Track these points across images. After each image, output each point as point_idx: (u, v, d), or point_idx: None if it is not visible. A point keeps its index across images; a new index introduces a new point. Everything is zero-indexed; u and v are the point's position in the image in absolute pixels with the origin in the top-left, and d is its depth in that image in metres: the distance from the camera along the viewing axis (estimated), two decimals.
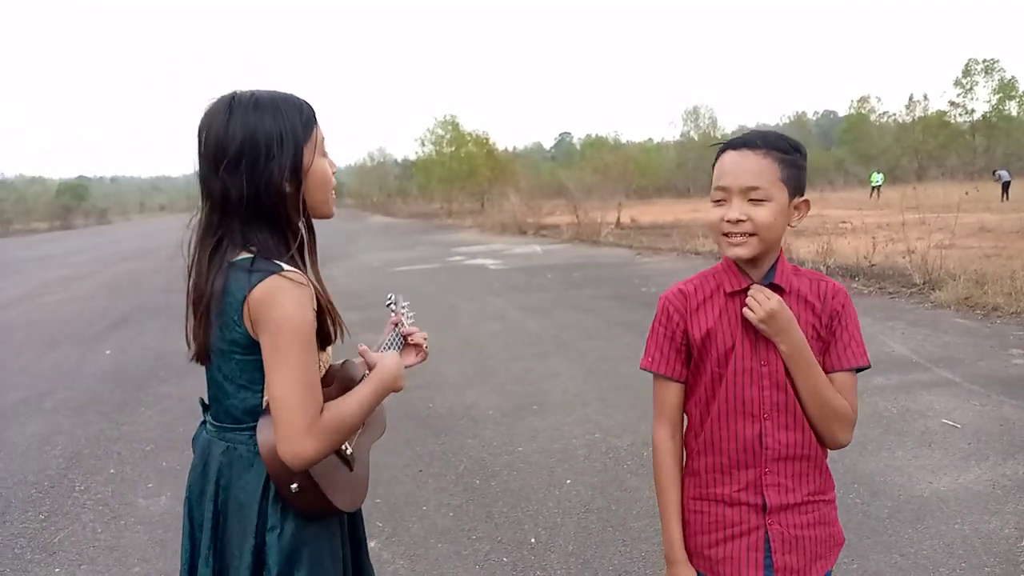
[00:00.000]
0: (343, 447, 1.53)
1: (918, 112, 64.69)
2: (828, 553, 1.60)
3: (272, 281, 1.35)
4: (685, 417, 1.68)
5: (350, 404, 1.44)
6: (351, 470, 1.56)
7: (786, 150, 1.48)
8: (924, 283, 9.35)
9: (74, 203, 72.68)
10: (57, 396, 6.32)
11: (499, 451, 4.55)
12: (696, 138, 68.13)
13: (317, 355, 1.41)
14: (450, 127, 49.74)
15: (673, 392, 1.65)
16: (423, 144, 51.20)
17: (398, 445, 4.67)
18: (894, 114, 68.66)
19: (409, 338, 1.80)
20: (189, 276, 1.46)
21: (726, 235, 1.50)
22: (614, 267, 13.81)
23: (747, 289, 1.54)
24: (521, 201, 29.08)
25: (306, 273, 1.44)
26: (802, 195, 1.52)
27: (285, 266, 1.38)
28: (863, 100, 70.90)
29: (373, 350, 1.69)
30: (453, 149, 48.70)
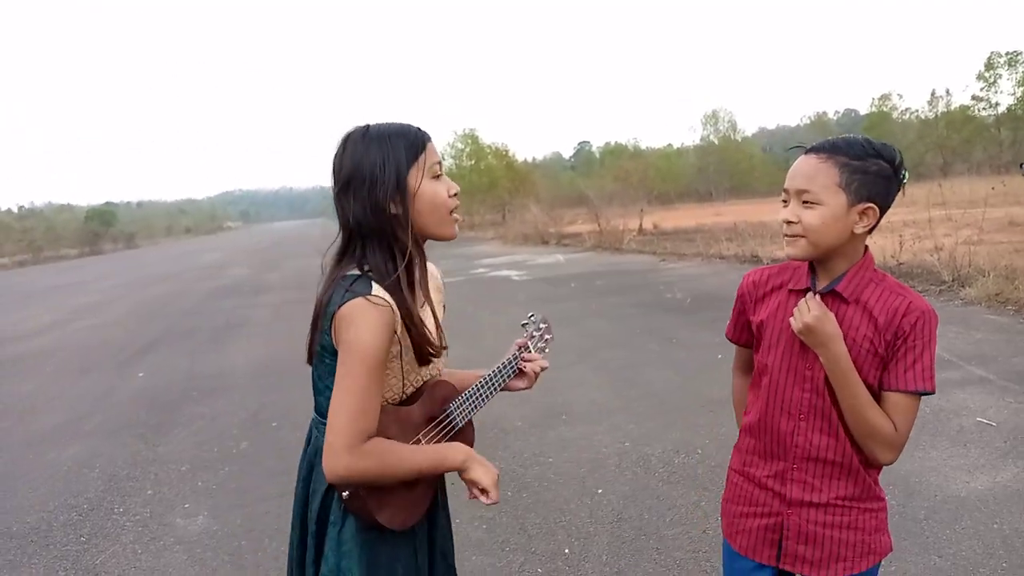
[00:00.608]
0: None
1: (941, 107, 63.96)
2: (855, 557, 1.61)
3: (355, 303, 1.44)
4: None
5: (403, 453, 1.50)
6: (411, 488, 1.58)
7: (858, 156, 1.48)
8: (953, 280, 9.24)
9: (102, 229, 73.85)
10: (94, 420, 6.43)
11: (529, 462, 4.57)
12: (716, 142, 67.84)
13: (382, 380, 1.48)
14: (469, 141, 49.96)
15: (743, 352, 1.85)
16: (443, 159, 51.37)
17: None
18: (916, 110, 67.94)
19: (524, 364, 1.83)
20: None
21: (785, 235, 1.56)
22: (638, 274, 13.78)
23: (808, 291, 1.58)
24: (542, 211, 29.11)
25: (404, 294, 1.51)
26: (873, 202, 1.49)
27: (376, 289, 1.47)
28: (884, 98, 70.26)
29: (490, 369, 1.77)
30: (473, 162, 48.89)
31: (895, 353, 1.51)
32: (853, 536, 1.60)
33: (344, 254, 1.56)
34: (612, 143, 77.75)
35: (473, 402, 1.73)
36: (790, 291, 1.63)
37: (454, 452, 1.59)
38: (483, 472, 1.60)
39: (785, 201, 1.56)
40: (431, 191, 1.55)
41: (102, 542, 3.96)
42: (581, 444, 4.79)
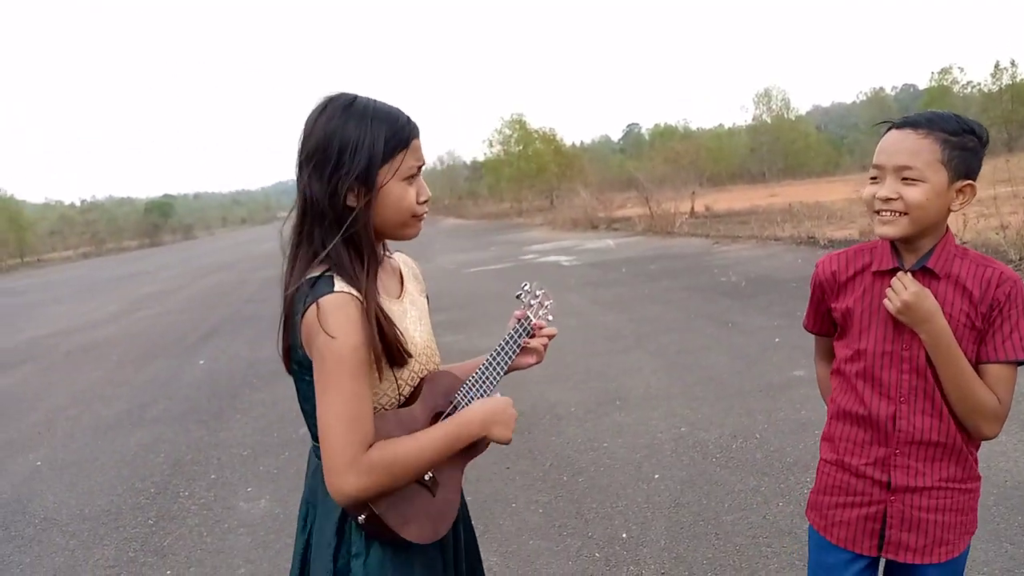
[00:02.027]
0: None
1: (1005, 80, 61.44)
2: (956, 540, 1.59)
3: (318, 304, 1.30)
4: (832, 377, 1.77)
5: (410, 447, 1.34)
6: (433, 495, 1.44)
7: (955, 131, 1.46)
8: (1020, 259, 8.92)
9: (161, 220, 75.92)
10: (158, 406, 6.63)
11: (584, 447, 4.55)
12: (769, 121, 66.39)
13: (368, 381, 1.34)
14: (517, 126, 49.88)
15: (823, 342, 1.82)
16: (491, 145, 51.53)
17: None
18: (979, 84, 65.41)
19: (528, 341, 1.65)
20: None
21: (877, 212, 1.51)
22: (691, 257, 13.60)
23: (895, 271, 1.54)
24: (591, 195, 28.90)
25: (371, 290, 1.36)
26: (969, 179, 1.48)
27: (338, 285, 1.32)
28: (945, 72, 67.77)
29: (489, 353, 1.61)
30: (521, 148, 48.82)
31: (991, 324, 1.50)
32: (954, 518, 1.58)
33: (300, 239, 1.39)
34: (662, 125, 76.73)
35: (480, 387, 1.56)
36: (875, 273, 1.58)
37: (468, 421, 1.43)
38: (502, 430, 1.46)
39: (875, 178, 1.52)
40: (398, 194, 1.38)
41: (169, 524, 4.08)
42: (637, 429, 4.75)
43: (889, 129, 1.53)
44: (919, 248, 1.53)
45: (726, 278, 10.47)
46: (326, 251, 1.35)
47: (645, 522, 3.53)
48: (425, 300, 1.63)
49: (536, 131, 49.57)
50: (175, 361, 8.70)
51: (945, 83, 68.10)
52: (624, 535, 3.43)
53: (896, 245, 1.56)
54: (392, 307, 1.44)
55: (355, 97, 1.38)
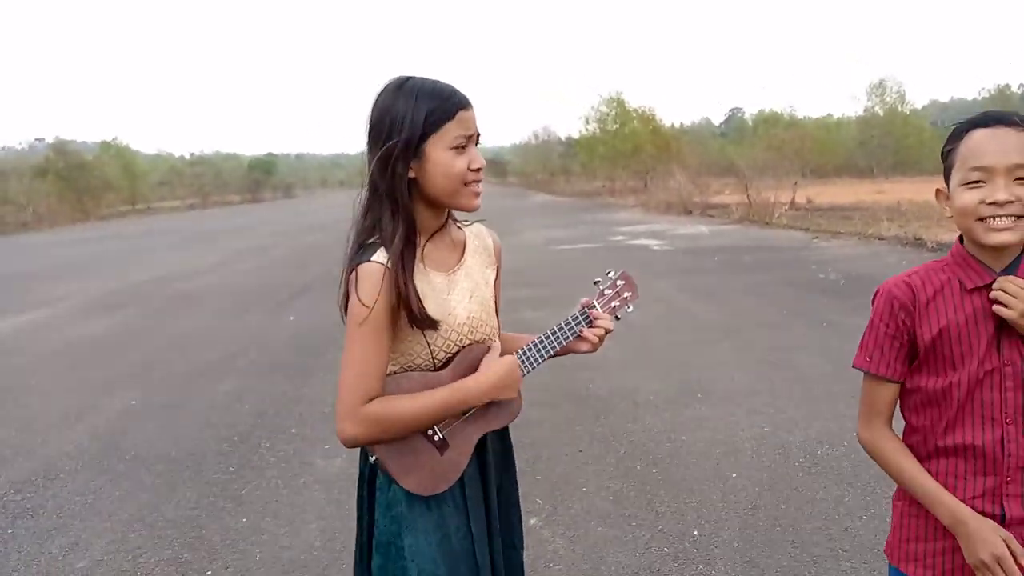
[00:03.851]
0: (430, 431, 1.54)
1: None
2: None
3: (356, 270, 1.47)
4: (904, 418, 1.56)
5: (407, 405, 1.48)
6: (440, 454, 1.55)
7: None
8: None
9: (263, 178, 78.27)
10: (248, 357, 6.86)
11: (661, 438, 4.45)
12: (881, 114, 63.42)
13: (385, 343, 1.48)
14: (615, 104, 49.20)
15: (890, 392, 1.53)
16: (587, 122, 51.02)
17: (557, 424, 4.68)
18: None
19: (583, 330, 1.69)
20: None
21: (984, 220, 1.36)
22: (788, 251, 13.13)
23: (991, 285, 1.40)
24: (687, 179, 28.24)
25: (401, 257, 1.47)
26: None
27: (376, 255, 1.47)
28: None
29: (541, 333, 1.67)
30: (618, 127, 48.15)
31: None
32: None
33: (365, 211, 1.54)
34: (766, 111, 74.21)
35: (520, 366, 1.63)
36: (967, 291, 1.43)
37: (468, 389, 1.53)
38: (508, 393, 1.58)
39: (977, 182, 1.36)
40: (446, 162, 1.48)
41: (248, 474, 4.22)
42: (717, 425, 4.62)
43: (968, 130, 1.38)
44: (1005, 258, 1.41)
45: (824, 275, 10.06)
46: (377, 222, 1.51)
47: (718, 522, 3.42)
48: (492, 273, 1.71)
49: (634, 110, 48.78)
50: (267, 315, 8.99)
51: None
52: (696, 532, 3.33)
53: (979, 257, 1.43)
54: (434, 279, 1.56)
55: (409, 77, 1.51)
